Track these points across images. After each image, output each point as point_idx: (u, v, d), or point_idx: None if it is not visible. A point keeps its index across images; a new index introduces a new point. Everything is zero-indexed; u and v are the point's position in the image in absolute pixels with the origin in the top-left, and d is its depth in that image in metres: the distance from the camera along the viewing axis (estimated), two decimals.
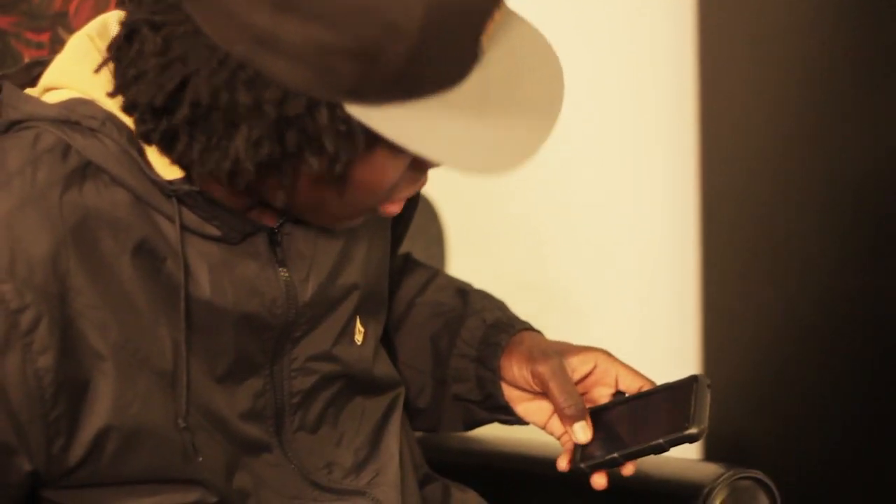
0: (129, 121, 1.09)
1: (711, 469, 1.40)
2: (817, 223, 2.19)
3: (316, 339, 1.22)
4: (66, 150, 1.07)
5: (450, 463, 1.47)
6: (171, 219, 1.10)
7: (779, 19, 2.20)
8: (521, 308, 2.36)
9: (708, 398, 1.23)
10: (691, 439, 1.20)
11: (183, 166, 1.09)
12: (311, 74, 1.01)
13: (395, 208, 1.15)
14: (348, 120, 1.03)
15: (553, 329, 2.22)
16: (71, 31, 1.62)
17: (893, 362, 2.10)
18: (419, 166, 1.11)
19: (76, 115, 1.08)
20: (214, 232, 1.13)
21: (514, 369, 1.31)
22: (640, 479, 1.36)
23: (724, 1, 2.27)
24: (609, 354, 1.31)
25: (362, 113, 1.02)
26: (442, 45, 1.02)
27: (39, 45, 1.63)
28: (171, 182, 1.09)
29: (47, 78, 1.13)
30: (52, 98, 1.11)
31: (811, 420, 2.20)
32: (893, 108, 2.05)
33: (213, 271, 1.13)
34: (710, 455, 2.29)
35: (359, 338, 1.26)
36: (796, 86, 2.20)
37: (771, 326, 2.29)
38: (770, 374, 2.26)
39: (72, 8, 1.65)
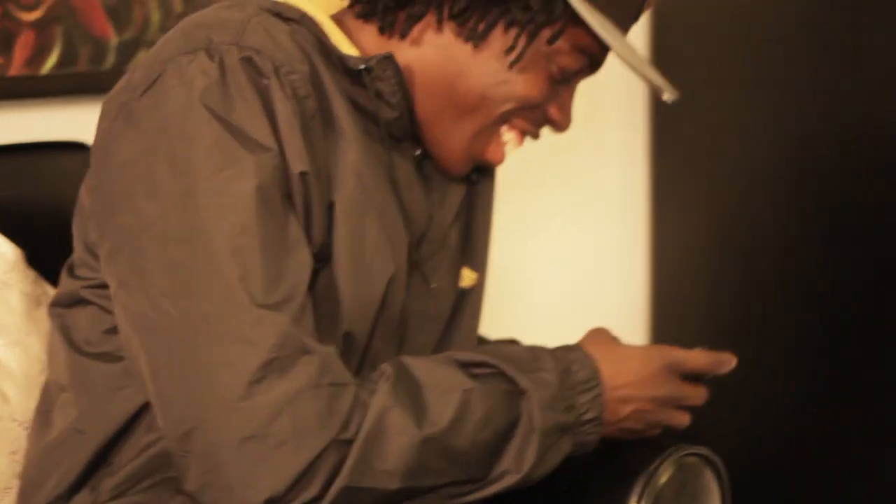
0: (324, 18, 1.32)
1: (657, 446, 1.39)
2: (769, 194, 2.19)
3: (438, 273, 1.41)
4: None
5: None
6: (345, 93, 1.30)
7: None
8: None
9: None
10: None
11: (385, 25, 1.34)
12: None
13: (499, 150, 1.38)
14: None
15: (497, 299, 2.19)
16: None
17: (841, 338, 2.10)
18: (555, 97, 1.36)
19: (283, 8, 1.30)
20: (389, 114, 1.32)
21: None
22: (585, 456, 1.34)
23: None
24: None
25: None
26: None
27: None
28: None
29: None
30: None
31: (757, 396, 2.20)
32: (850, 95, 2.05)
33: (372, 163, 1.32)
34: None
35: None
36: (749, 63, 2.19)
37: (718, 304, 2.29)
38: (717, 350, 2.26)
39: None
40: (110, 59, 1.83)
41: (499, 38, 1.32)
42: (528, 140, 1.39)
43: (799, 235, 2.16)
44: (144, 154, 1.21)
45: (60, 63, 1.81)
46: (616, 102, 2.39)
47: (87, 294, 1.32)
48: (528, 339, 1.53)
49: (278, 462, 1.15)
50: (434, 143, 1.38)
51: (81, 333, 1.32)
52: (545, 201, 2.38)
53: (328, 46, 1.31)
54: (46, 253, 1.48)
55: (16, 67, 1.78)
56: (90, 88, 1.79)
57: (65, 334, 1.33)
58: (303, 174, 1.22)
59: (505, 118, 1.37)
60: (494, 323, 1.88)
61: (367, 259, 1.29)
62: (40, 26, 1.79)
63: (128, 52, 1.84)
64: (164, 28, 1.84)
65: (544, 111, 1.38)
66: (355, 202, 1.28)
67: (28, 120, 1.79)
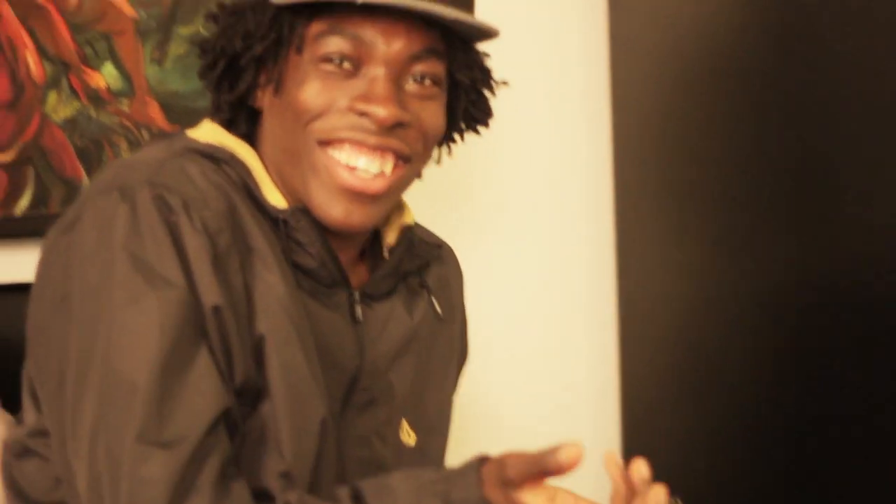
0: (253, 161, 1.35)
1: None
2: (733, 306, 2.17)
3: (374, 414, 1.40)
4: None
5: None
6: (267, 237, 1.31)
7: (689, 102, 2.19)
8: None
9: None
10: None
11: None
12: None
13: (350, 174, 1.34)
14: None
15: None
16: None
17: (806, 406, 2.07)
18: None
19: (213, 150, 1.35)
20: (310, 263, 1.33)
21: None
22: None
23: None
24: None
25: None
26: None
27: None
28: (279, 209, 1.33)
29: (194, 134, 1.40)
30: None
31: (725, 452, 2.16)
32: (815, 223, 2.03)
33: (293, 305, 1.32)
34: None
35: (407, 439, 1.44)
36: (716, 180, 2.18)
37: (685, 357, 2.24)
38: (682, 401, 2.23)
39: None
40: None
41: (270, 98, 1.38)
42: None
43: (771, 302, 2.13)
44: (63, 295, 1.26)
45: (33, 204, 1.83)
46: (582, 163, 2.37)
47: (31, 444, 1.35)
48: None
49: None
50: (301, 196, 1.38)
51: (31, 485, 1.35)
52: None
53: (251, 191, 1.34)
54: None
55: None
56: None
57: (12, 487, 1.36)
58: (216, 308, 1.25)
59: (323, 140, 1.35)
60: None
61: (303, 392, 1.30)
62: (13, 168, 1.83)
63: None
64: None
65: (352, 107, 1.35)
66: (286, 335, 1.29)
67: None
